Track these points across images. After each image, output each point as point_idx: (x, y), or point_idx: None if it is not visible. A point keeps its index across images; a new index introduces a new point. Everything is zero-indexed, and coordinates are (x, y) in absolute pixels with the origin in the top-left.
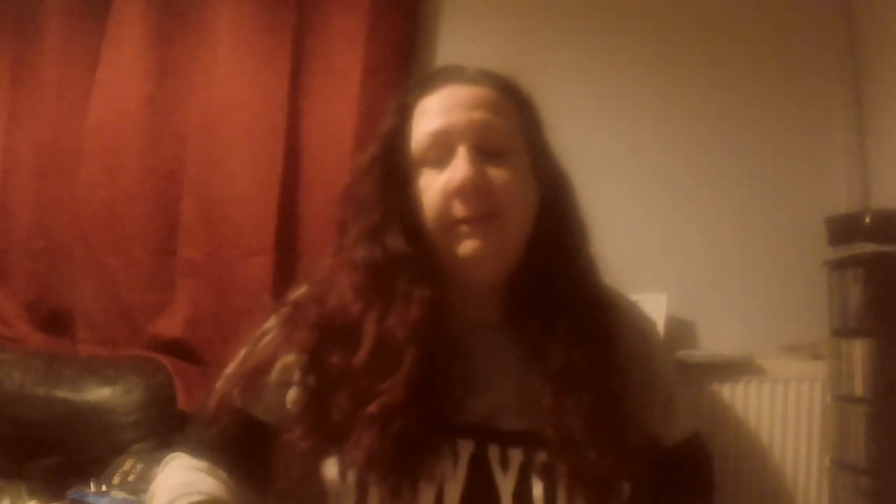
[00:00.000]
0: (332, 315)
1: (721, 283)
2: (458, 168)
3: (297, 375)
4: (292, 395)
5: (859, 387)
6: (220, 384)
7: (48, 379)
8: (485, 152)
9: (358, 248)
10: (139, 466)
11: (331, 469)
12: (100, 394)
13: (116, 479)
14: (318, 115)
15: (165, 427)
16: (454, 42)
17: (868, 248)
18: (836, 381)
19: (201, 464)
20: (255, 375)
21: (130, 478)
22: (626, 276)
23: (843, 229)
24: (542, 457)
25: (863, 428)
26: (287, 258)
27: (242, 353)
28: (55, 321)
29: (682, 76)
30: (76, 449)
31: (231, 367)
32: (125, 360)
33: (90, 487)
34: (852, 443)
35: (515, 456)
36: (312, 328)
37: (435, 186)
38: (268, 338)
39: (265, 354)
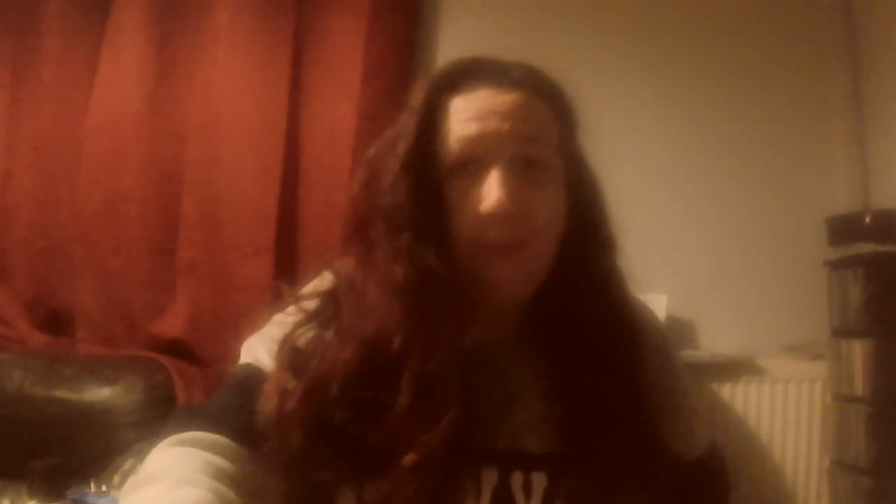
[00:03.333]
0: (374, 340)
1: (721, 283)
2: (493, 192)
3: (341, 393)
4: (341, 416)
5: (859, 387)
6: (273, 393)
7: (48, 379)
8: (521, 167)
9: (388, 266)
10: (139, 466)
11: (346, 501)
12: (100, 394)
13: (116, 479)
14: (318, 115)
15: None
16: (454, 42)
17: (868, 248)
18: (836, 381)
19: (209, 456)
20: (317, 393)
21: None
22: (626, 276)
23: (843, 229)
24: (566, 483)
25: (863, 428)
26: (287, 258)
27: (270, 336)
28: (55, 321)
29: (682, 77)
30: (76, 449)
31: (278, 375)
32: (125, 360)
33: (90, 487)
34: (852, 443)
35: (539, 481)
36: (359, 345)
37: (466, 206)
38: (307, 335)
39: (325, 367)
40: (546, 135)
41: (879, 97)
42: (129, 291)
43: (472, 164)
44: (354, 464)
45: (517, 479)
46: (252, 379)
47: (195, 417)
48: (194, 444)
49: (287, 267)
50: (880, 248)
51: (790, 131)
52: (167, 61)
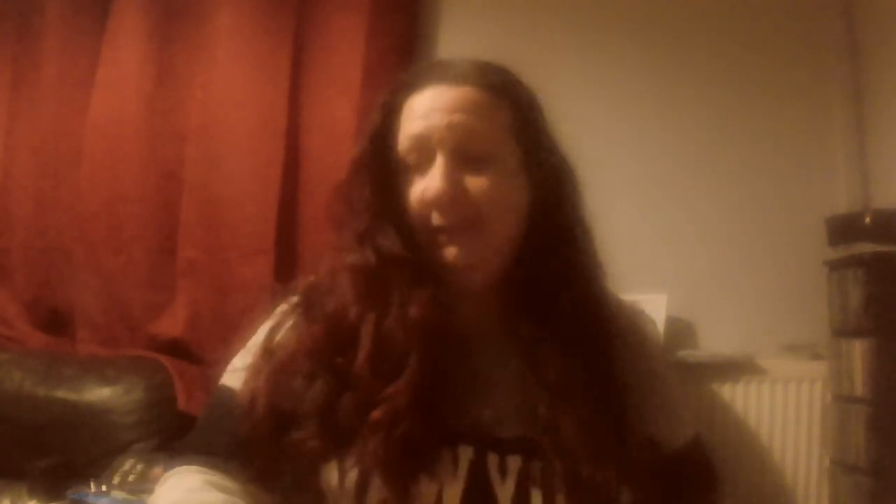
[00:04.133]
0: (335, 314)
1: (721, 283)
2: (434, 179)
3: (313, 367)
4: (316, 387)
5: (859, 387)
6: (247, 381)
7: (48, 379)
8: (464, 158)
9: (351, 251)
10: (139, 466)
11: (331, 474)
12: (100, 394)
13: (116, 479)
14: (318, 115)
15: (165, 427)
16: (454, 42)
17: (868, 248)
18: (836, 381)
19: (210, 477)
20: (285, 368)
21: (130, 478)
22: (626, 276)
23: (843, 229)
24: (539, 465)
25: (863, 428)
26: (287, 258)
27: (255, 343)
28: (55, 321)
29: (683, 76)
30: (76, 449)
31: (249, 359)
32: (125, 360)
33: (90, 487)
34: (852, 443)
35: (514, 463)
36: (322, 321)
37: (415, 195)
38: (287, 326)
39: (292, 346)
40: (491, 127)
41: (879, 97)
42: (129, 291)
43: (420, 158)
44: (329, 432)
45: (493, 459)
46: (225, 399)
47: (182, 454)
48: (189, 471)
49: (287, 267)
50: (880, 248)
51: (790, 131)
52: (167, 61)
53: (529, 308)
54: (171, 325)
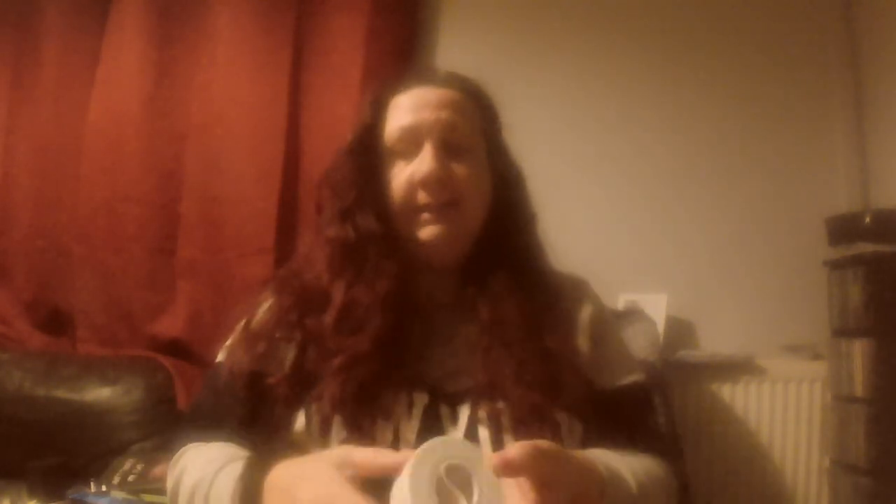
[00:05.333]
0: (307, 284)
1: (721, 283)
2: (424, 161)
3: (284, 330)
4: (287, 346)
5: (859, 387)
6: (223, 356)
7: (48, 379)
8: (448, 148)
9: (331, 226)
10: (139, 466)
11: (299, 420)
12: (100, 394)
13: (116, 479)
14: (318, 115)
15: (165, 427)
16: (454, 42)
17: (868, 248)
18: (836, 381)
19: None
20: (259, 337)
21: (130, 478)
22: (626, 276)
23: (843, 229)
24: (486, 408)
25: (863, 428)
26: (287, 258)
27: (241, 325)
28: (55, 321)
29: (683, 77)
30: (76, 449)
31: (231, 340)
32: (125, 360)
33: (90, 487)
34: (852, 443)
35: (464, 411)
36: (293, 293)
37: (402, 176)
38: (265, 306)
39: (265, 317)
40: (470, 125)
41: (879, 97)
42: (129, 291)
43: (408, 147)
44: (297, 380)
45: (444, 410)
46: (216, 373)
47: (187, 429)
48: (198, 447)
49: None
50: (880, 248)
51: (790, 131)
52: (167, 61)
53: (484, 283)
54: (171, 325)
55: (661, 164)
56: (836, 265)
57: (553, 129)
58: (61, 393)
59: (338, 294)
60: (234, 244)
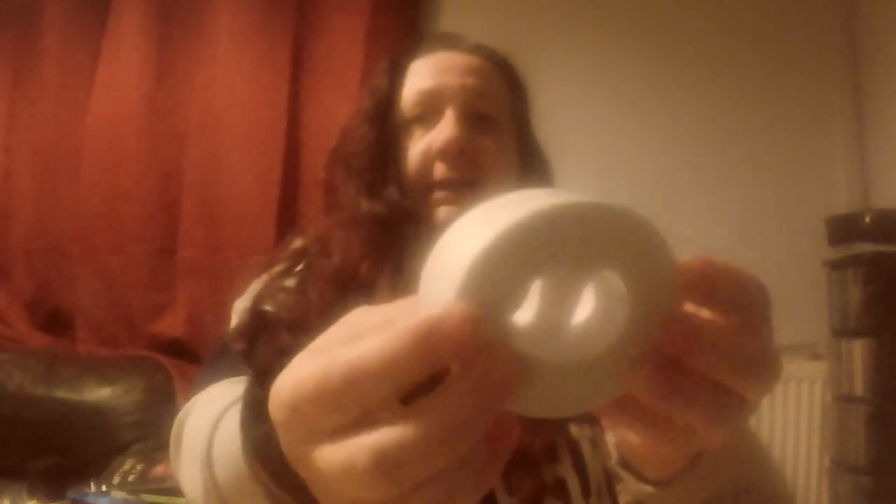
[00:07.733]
0: (341, 270)
1: None
2: (444, 129)
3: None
4: None
5: (859, 387)
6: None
7: (48, 379)
8: (473, 118)
9: (359, 203)
10: (139, 466)
11: None
12: (100, 394)
13: (116, 479)
14: (318, 116)
15: (165, 427)
16: None
17: (868, 248)
18: (836, 381)
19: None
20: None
21: (130, 478)
22: None
23: (843, 229)
24: None
25: (863, 428)
26: None
27: (244, 300)
28: (55, 321)
29: (683, 76)
30: (76, 449)
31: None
32: (125, 360)
33: (90, 487)
34: (852, 443)
35: None
36: (326, 281)
37: (420, 146)
38: (282, 286)
39: (295, 305)
40: (497, 95)
41: (879, 97)
42: (129, 291)
43: (430, 112)
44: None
45: None
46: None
47: (206, 380)
48: (210, 389)
49: None
50: (880, 248)
51: (790, 131)
52: (167, 61)
53: None
54: (171, 325)
55: (661, 164)
56: (836, 265)
57: (549, 131)
58: (61, 393)
59: (384, 286)
60: (234, 244)
